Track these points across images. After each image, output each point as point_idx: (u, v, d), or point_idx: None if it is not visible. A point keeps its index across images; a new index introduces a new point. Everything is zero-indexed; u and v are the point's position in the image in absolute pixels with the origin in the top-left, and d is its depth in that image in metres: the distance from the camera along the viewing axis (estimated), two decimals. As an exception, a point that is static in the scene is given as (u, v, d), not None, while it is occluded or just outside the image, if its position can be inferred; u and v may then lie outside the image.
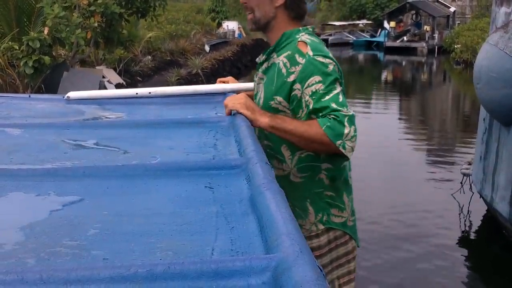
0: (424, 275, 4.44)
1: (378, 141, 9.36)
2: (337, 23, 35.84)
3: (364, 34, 35.08)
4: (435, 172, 7.48)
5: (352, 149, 1.76)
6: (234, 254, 0.92)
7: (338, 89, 1.80)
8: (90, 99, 2.40)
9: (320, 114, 1.76)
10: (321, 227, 1.97)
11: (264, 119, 1.81)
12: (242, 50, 22.22)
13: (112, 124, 1.96)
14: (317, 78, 1.79)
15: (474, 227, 5.65)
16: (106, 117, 2.12)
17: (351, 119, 1.75)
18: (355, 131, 1.75)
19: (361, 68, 26.02)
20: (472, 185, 5.74)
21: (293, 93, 1.84)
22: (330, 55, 1.87)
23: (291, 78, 1.84)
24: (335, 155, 1.86)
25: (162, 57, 15.82)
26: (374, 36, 34.26)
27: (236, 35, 25.46)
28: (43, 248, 0.95)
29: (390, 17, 33.03)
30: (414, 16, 33.75)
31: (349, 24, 35.80)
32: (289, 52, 1.87)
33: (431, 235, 5.27)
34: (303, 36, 1.90)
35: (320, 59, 1.82)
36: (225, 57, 18.94)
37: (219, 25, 26.51)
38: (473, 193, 5.73)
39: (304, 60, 1.82)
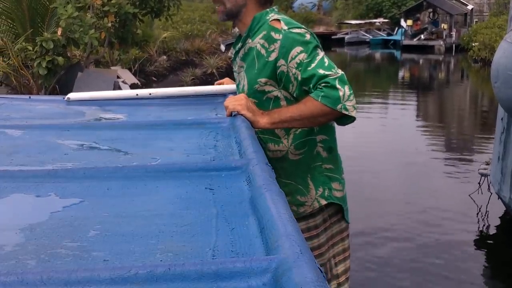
0: (441, 275, 4.41)
1: (394, 139, 9.33)
2: (353, 22, 35.52)
3: (380, 33, 34.69)
4: (452, 172, 7.38)
5: (354, 107, 1.79)
6: (234, 256, 0.92)
7: (321, 54, 1.83)
8: (90, 100, 2.41)
9: (311, 84, 1.79)
10: (323, 202, 2.00)
11: (263, 120, 1.82)
12: (258, 48, 22.16)
13: (113, 125, 1.96)
14: (298, 49, 1.82)
15: (492, 228, 5.56)
16: (107, 118, 2.12)
17: (342, 79, 1.77)
18: (350, 89, 1.77)
19: (378, 67, 25.81)
20: (490, 185, 5.63)
21: (279, 70, 1.87)
22: (302, 26, 1.91)
23: (273, 56, 1.86)
24: (328, 126, 1.92)
25: (177, 57, 15.79)
26: (391, 35, 33.82)
27: (251, 34, 25.34)
28: (44, 250, 0.95)
29: (407, 15, 32.78)
30: (431, 14, 33.41)
31: (365, 23, 35.42)
32: (264, 33, 1.89)
33: (448, 235, 5.20)
34: (273, 16, 1.94)
35: (296, 30, 1.86)
36: (240, 56, 18.83)
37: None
38: (491, 193, 5.62)
39: (280, 35, 1.85)
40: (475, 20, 31.91)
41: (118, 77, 10.67)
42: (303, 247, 0.84)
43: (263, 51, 1.89)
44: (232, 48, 2.13)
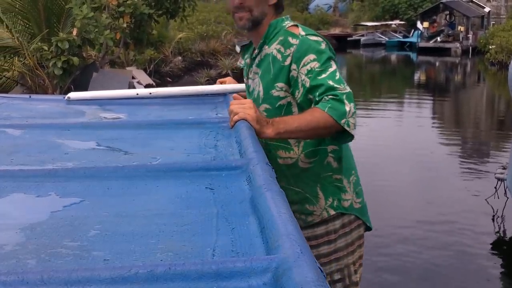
0: (455, 279, 4.38)
1: (410, 142, 9.26)
2: (369, 24, 35.27)
3: (396, 35, 34.41)
4: (468, 176, 7.30)
5: (355, 125, 1.77)
6: (234, 255, 0.92)
7: (334, 66, 1.82)
8: (90, 99, 2.40)
9: (317, 93, 1.77)
10: (332, 212, 1.99)
11: (269, 130, 1.78)
12: (272, 49, 22.13)
13: (113, 125, 1.96)
14: (312, 56, 1.81)
15: (509, 233, 5.49)
16: (107, 118, 2.12)
17: (349, 96, 1.76)
18: (354, 107, 1.76)
19: (393, 69, 25.69)
20: (507, 190, 5.53)
21: (290, 74, 1.87)
22: (319, 34, 1.91)
23: (288, 61, 1.86)
24: (340, 135, 1.88)
25: (192, 58, 15.86)
26: (407, 37, 33.54)
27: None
28: (44, 249, 0.95)
29: (424, 17, 32.54)
30: (448, 16, 33.13)
31: (381, 25, 35.10)
32: (281, 38, 1.89)
33: (463, 239, 5.15)
34: (289, 23, 1.95)
35: (313, 38, 1.86)
36: (255, 57, 18.81)
37: (251, 25, 26.37)
38: (507, 198, 5.54)
39: (297, 40, 1.85)
40: (492, 22, 31.68)
41: (133, 77, 10.71)
42: (304, 247, 0.84)
43: (279, 56, 1.89)
44: (241, 57, 2.13)
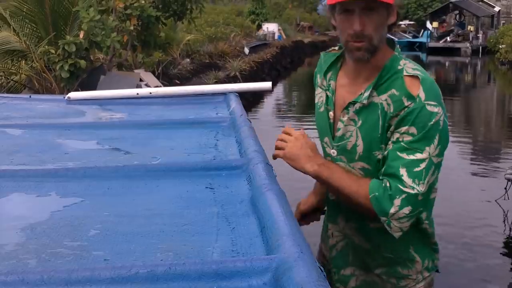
0: (465, 282, 4.39)
1: None
2: None
3: (406, 35, 34.49)
4: (478, 177, 7.29)
5: (401, 229, 1.54)
6: (235, 255, 0.92)
7: (425, 154, 1.51)
8: (91, 99, 2.40)
9: (384, 168, 1.55)
10: (426, 274, 1.82)
11: (310, 166, 1.61)
12: (282, 52, 22.22)
13: (113, 125, 1.96)
14: (413, 129, 1.51)
15: None
16: (107, 118, 2.12)
17: (409, 199, 1.50)
18: (410, 211, 1.51)
19: None
20: None
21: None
22: (441, 96, 1.58)
23: (393, 121, 1.55)
24: (430, 200, 1.70)
25: (201, 60, 15.87)
26: (417, 37, 33.70)
27: (276, 37, 25.51)
28: (44, 249, 0.95)
29: (433, 17, 32.64)
30: (457, 16, 33.29)
31: None
32: (395, 92, 1.56)
33: (473, 241, 5.13)
34: (407, 67, 1.60)
35: (431, 107, 1.52)
36: (264, 59, 18.81)
37: (259, 27, 26.68)
38: None
39: (412, 104, 1.52)
40: (502, 22, 31.76)
41: (141, 79, 10.70)
42: (304, 247, 0.84)
43: (389, 112, 1.56)
44: (319, 75, 1.77)
